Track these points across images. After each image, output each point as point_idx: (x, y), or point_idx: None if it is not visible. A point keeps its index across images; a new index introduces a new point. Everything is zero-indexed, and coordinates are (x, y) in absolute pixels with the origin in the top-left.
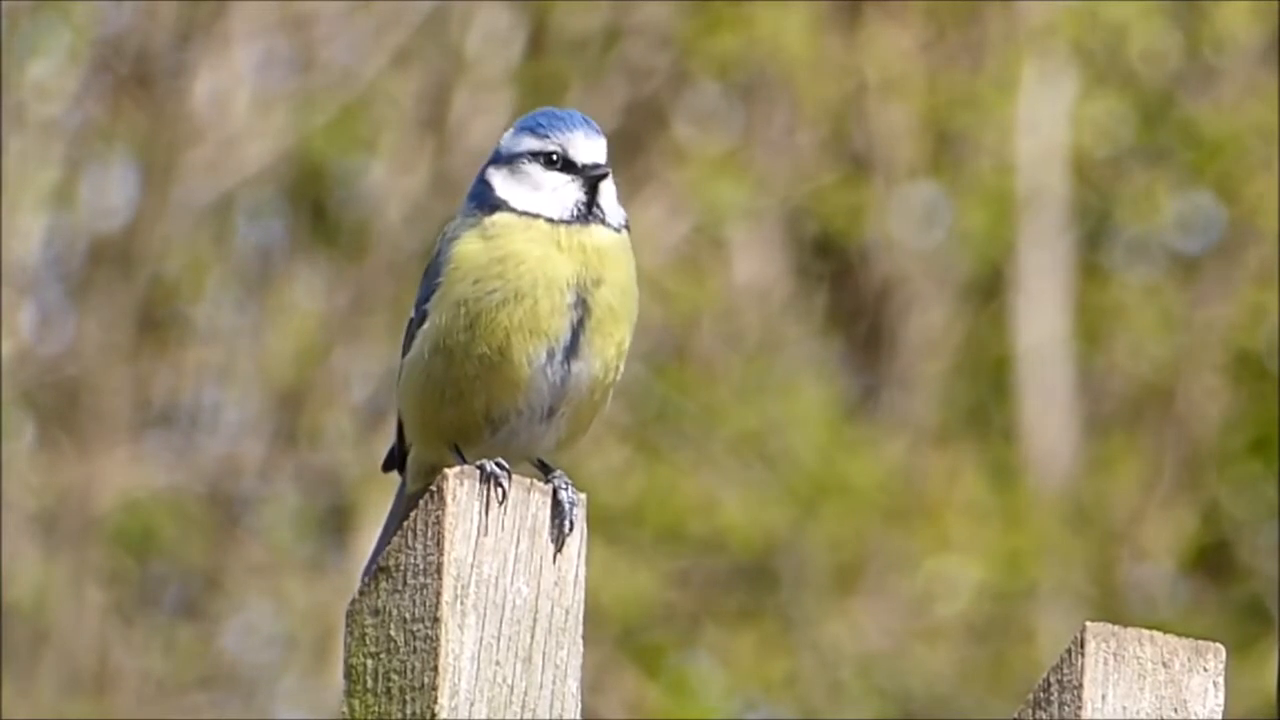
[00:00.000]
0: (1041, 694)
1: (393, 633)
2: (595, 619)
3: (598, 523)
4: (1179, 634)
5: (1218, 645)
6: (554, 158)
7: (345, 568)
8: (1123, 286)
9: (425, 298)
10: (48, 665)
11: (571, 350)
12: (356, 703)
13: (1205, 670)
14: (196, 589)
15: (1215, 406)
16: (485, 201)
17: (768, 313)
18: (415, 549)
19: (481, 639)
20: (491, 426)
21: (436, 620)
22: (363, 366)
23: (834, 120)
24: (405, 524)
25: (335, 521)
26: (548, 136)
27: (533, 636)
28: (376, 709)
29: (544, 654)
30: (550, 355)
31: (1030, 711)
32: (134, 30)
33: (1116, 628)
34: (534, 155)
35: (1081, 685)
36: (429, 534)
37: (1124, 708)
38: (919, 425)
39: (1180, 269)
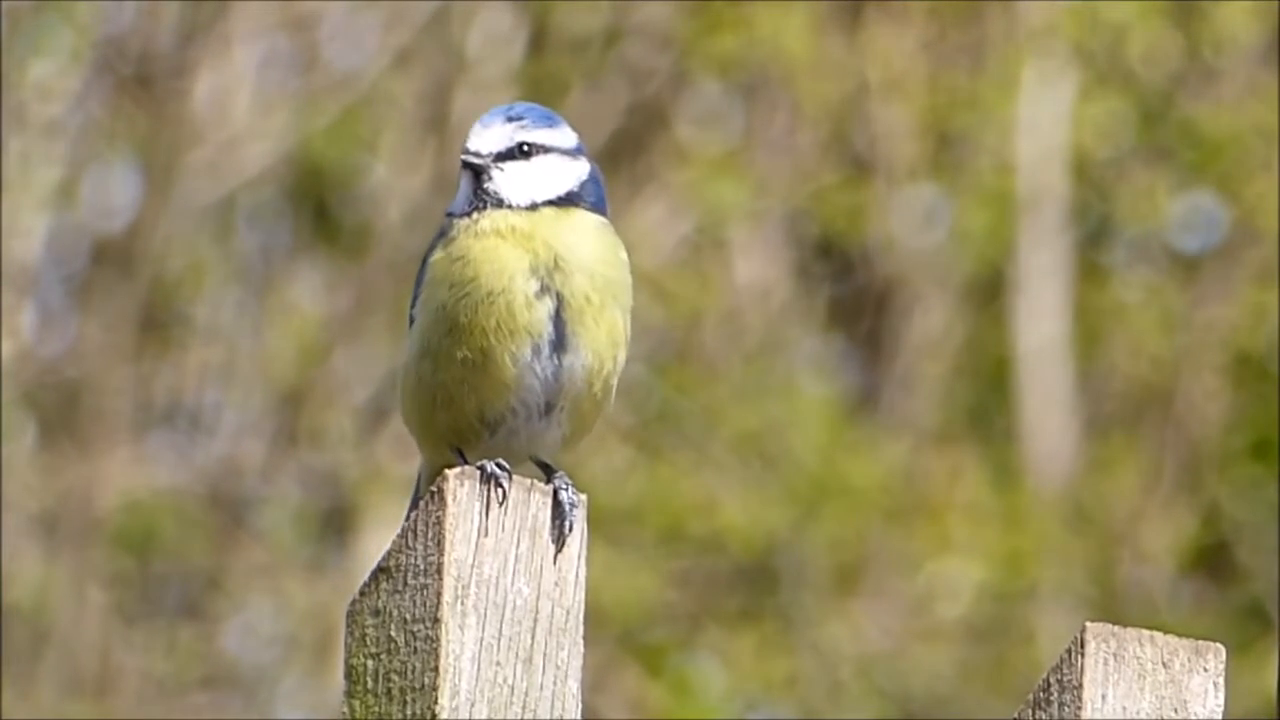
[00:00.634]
0: (1041, 694)
1: (393, 633)
2: (596, 619)
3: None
4: (1179, 635)
5: (1218, 645)
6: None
7: (346, 568)
8: (1123, 287)
9: (413, 302)
10: (48, 665)
11: (559, 343)
12: (357, 703)
13: (1205, 670)
14: (197, 589)
15: (1215, 407)
16: (455, 206)
17: (768, 313)
18: (416, 549)
19: (482, 639)
20: (488, 428)
21: (437, 621)
22: (363, 367)
23: (835, 121)
24: (406, 524)
25: (336, 522)
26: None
27: (533, 637)
28: (377, 709)
29: (544, 654)
30: (536, 351)
31: (1030, 712)
32: (135, 31)
33: (1116, 628)
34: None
35: (1081, 685)
36: (429, 534)
37: (1124, 708)
38: (919, 426)
39: (1180, 269)
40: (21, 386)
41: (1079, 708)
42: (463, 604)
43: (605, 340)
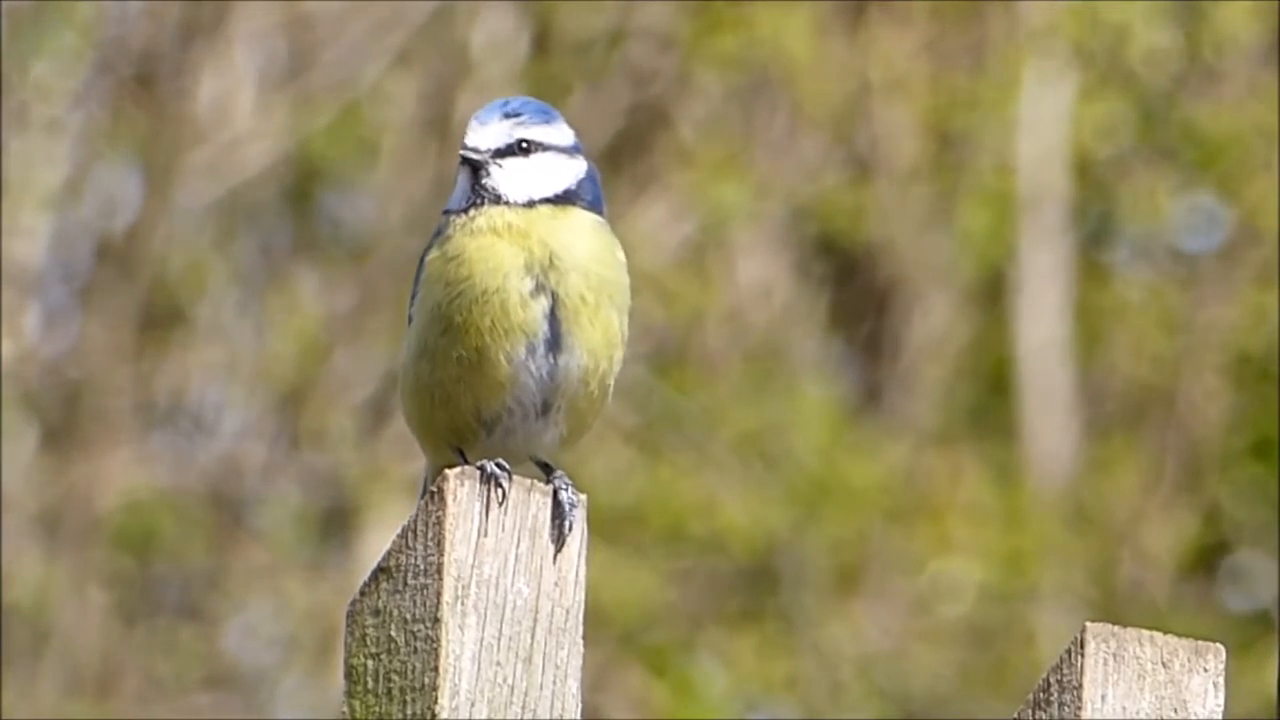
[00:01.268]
0: (1041, 694)
1: (393, 633)
2: (597, 619)
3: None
4: (1179, 635)
5: (1218, 646)
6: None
7: (346, 568)
8: (1124, 287)
9: (412, 301)
10: (49, 666)
11: (554, 343)
12: (357, 703)
13: (1205, 671)
14: (198, 590)
15: (1216, 408)
16: (453, 203)
17: (770, 314)
18: (416, 549)
19: (482, 639)
20: (486, 427)
21: (437, 621)
22: (364, 367)
23: (836, 122)
24: (406, 524)
25: (336, 522)
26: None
27: (533, 637)
28: (377, 709)
29: (544, 654)
30: (531, 350)
31: (1030, 712)
32: (137, 31)
33: (1116, 628)
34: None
35: (1081, 685)
36: (429, 534)
37: (1124, 708)
38: (920, 426)
39: (1181, 270)
40: (23, 386)
41: (1079, 708)
42: (463, 604)
43: (601, 340)
